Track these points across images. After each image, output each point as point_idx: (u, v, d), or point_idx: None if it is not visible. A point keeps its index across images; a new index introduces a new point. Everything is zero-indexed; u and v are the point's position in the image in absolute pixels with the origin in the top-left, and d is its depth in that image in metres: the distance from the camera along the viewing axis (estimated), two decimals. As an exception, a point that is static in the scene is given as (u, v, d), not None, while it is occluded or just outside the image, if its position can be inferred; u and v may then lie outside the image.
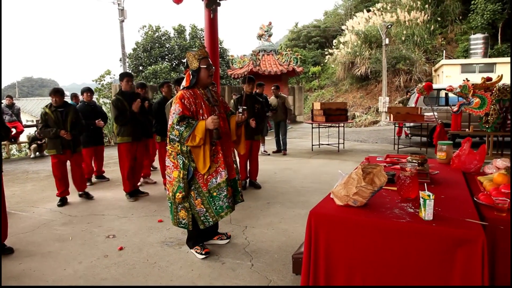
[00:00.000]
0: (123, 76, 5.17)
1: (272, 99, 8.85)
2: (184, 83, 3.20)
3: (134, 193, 5.28)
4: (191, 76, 3.14)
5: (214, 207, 3.15)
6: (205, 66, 3.13)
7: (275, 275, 2.89)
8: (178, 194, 3.10)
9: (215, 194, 3.13)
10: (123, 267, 3.10)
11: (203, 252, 3.23)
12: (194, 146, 3.00)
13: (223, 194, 3.14)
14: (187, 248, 3.41)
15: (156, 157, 6.69)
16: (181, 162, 3.07)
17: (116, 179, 6.53)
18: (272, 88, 9.09)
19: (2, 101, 8.65)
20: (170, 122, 3.03)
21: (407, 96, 11.99)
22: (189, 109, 3.05)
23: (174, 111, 3.03)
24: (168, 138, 3.09)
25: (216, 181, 3.13)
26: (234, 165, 3.36)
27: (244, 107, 3.29)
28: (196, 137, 2.95)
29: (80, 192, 5.22)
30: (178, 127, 2.96)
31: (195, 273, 2.96)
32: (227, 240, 3.54)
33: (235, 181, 3.35)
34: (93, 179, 6.42)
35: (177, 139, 3.00)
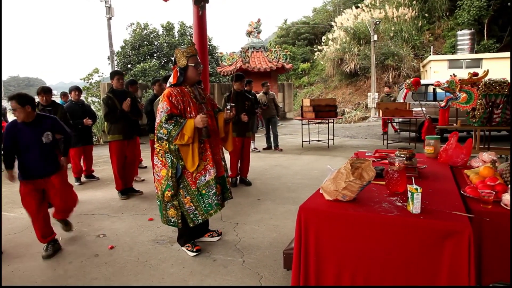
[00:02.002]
0: (113, 74, 5.15)
1: (261, 96, 8.87)
2: (171, 80, 3.16)
3: (127, 191, 5.26)
4: (178, 73, 3.10)
5: (203, 205, 3.14)
6: (193, 65, 3.10)
7: (266, 271, 2.90)
8: (167, 192, 3.08)
9: (204, 192, 3.13)
10: (114, 266, 3.09)
11: (194, 250, 3.23)
12: (182, 144, 2.98)
13: (212, 192, 3.14)
14: (178, 246, 3.40)
15: (146, 155, 6.67)
16: (169, 160, 3.05)
17: (106, 178, 6.49)
18: (263, 84, 9.12)
19: None
20: (158, 121, 2.99)
21: (386, 91, 11.93)
22: (177, 107, 3.02)
23: (162, 109, 2.99)
24: (155, 137, 3.05)
25: (205, 179, 3.12)
26: (223, 162, 3.36)
27: (232, 104, 3.28)
28: (184, 135, 2.93)
29: None
30: (166, 125, 2.94)
31: (187, 270, 2.97)
32: (218, 237, 3.55)
33: (224, 178, 3.35)
34: (83, 178, 6.36)
35: (165, 138, 2.97)
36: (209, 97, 3.44)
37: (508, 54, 17.52)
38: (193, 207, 3.14)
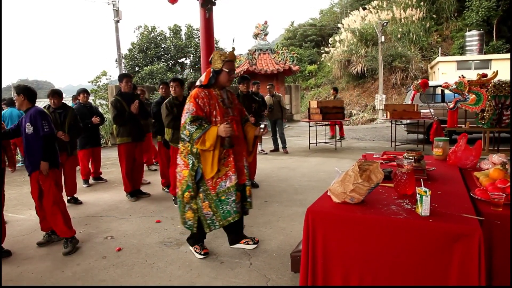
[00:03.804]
0: (122, 77, 5.18)
1: (267, 98, 8.86)
2: (202, 79, 3.09)
3: (135, 194, 5.29)
4: (210, 75, 3.04)
5: (222, 211, 3.05)
6: (227, 70, 3.03)
7: (273, 273, 2.89)
8: (186, 193, 3.03)
9: (223, 198, 3.04)
10: (122, 268, 3.10)
11: (202, 252, 3.22)
12: (204, 149, 2.92)
13: (232, 199, 3.04)
14: (185, 248, 3.41)
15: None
16: (191, 162, 3.00)
17: (114, 180, 6.52)
18: (268, 86, 9.09)
19: None
20: (182, 121, 2.94)
21: (333, 94, 11.73)
22: (203, 110, 2.96)
23: (187, 110, 2.93)
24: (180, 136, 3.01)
25: (225, 185, 3.03)
26: (245, 170, 3.24)
27: (265, 123, 3.22)
28: (206, 141, 2.87)
29: (69, 197, 5.13)
30: (189, 127, 2.87)
31: (194, 272, 2.96)
32: (255, 245, 3.38)
33: (245, 186, 3.22)
34: (91, 180, 6.40)
35: (187, 139, 2.92)
36: (238, 102, 3.35)
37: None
38: (211, 213, 3.06)
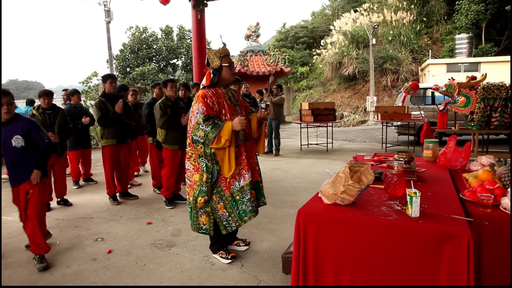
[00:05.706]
0: (106, 77, 5.09)
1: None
2: (204, 82, 3.04)
3: (125, 195, 5.29)
4: (212, 75, 3.00)
5: (237, 212, 2.99)
6: (227, 65, 3.00)
7: (265, 275, 2.89)
8: (200, 198, 2.94)
9: (238, 197, 2.97)
10: (112, 270, 3.07)
11: (229, 257, 3.12)
12: (218, 148, 2.85)
13: (247, 198, 2.97)
14: (176, 249, 3.39)
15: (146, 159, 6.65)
16: (204, 164, 2.91)
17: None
18: (274, 87, 9.02)
19: None
20: (193, 122, 2.84)
21: (258, 98, 11.42)
22: (213, 109, 2.89)
23: (197, 110, 2.84)
24: (190, 139, 2.92)
25: (239, 184, 2.96)
26: (257, 167, 3.21)
27: (267, 102, 3.14)
28: (221, 138, 2.78)
29: (59, 199, 5.08)
30: (203, 127, 2.78)
31: (185, 274, 2.95)
32: (246, 247, 3.39)
33: (258, 183, 3.20)
34: (81, 182, 6.35)
35: (202, 141, 2.82)
36: (242, 99, 3.32)
37: (506, 58, 17.61)
38: (227, 214, 2.99)
